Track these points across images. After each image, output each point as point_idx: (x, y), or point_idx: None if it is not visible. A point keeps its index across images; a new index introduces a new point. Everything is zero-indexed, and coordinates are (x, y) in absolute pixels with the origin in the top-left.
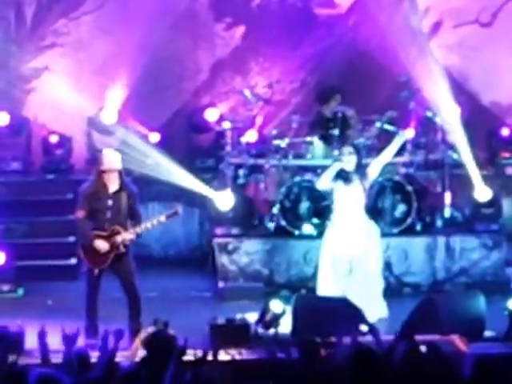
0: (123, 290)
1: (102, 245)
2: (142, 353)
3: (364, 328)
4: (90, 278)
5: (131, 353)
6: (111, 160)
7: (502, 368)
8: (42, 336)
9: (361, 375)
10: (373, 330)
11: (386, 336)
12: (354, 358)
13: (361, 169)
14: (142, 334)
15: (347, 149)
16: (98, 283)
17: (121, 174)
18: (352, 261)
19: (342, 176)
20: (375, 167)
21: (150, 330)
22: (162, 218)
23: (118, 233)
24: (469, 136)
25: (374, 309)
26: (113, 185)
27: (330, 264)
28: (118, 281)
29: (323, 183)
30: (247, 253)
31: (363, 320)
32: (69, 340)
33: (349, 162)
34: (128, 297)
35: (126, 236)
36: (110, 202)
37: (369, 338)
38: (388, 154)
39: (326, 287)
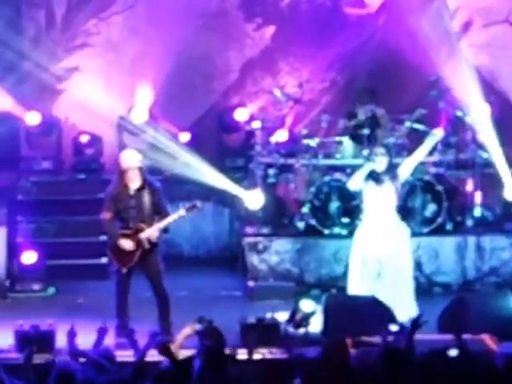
0: (152, 289)
1: (126, 243)
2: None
3: (394, 328)
4: (119, 278)
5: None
6: (128, 159)
7: None
8: (71, 336)
9: (389, 374)
10: (403, 329)
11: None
12: (383, 357)
13: (392, 169)
14: (187, 332)
15: (379, 149)
16: (128, 282)
17: (141, 172)
18: (382, 262)
19: (373, 177)
20: (407, 167)
21: (198, 327)
22: (182, 212)
23: (142, 230)
24: (499, 135)
25: (404, 308)
26: (134, 183)
27: (359, 264)
28: (147, 280)
29: (354, 183)
30: (277, 252)
31: (393, 319)
32: (97, 339)
33: (380, 162)
34: (157, 296)
35: (149, 232)
36: (132, 201)
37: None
38: (420, 154)
39: (356, 287)
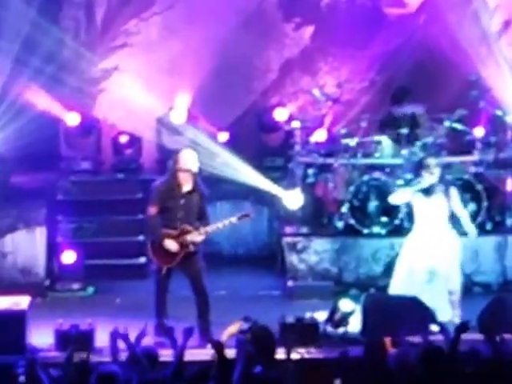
0: (192, 288)
1: (171, 244)
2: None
3: (435, 328)
4: (159, 277)
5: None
6: (190, 161)
7: None
8: (114, 336)
9: (430, 374)
10: (444, 329)
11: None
12: (424, 357)
13: (444, 179)
14: (232, 330)
15: (432, 161)
16: (167, 282)
17: (194, 175)
18: (433, 272)
19: (424, 189)
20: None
21: (244, 326)
22: (234, 220)
23: (188, 232)
24: None
25: (446, 309)
26: (186, 184)
27: (405, 275)
28: (187, 279)
29: (400, 199)
30: (316, 251)
31: (433, 319)
32: (137, 338)
33: (433, 174)
34: (196, 295)
35: (195, 236)
36: (182, 202)
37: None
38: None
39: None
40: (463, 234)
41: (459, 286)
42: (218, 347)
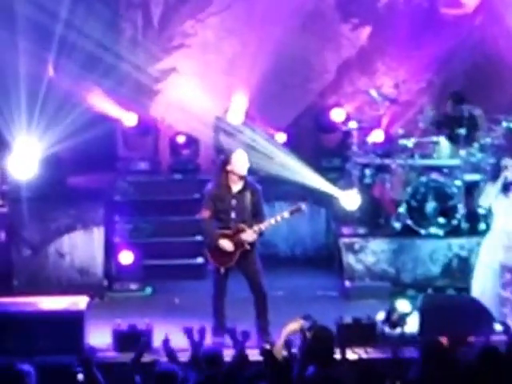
0: (250, 288)
1: (226, 244)
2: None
3: (498, 327)
4: (217, 278)
5: (278, 347)
6: (242, 163)
7: None
8: (166, 344)
9: (488, 375)
10: (507, 329)
11: None
12: (482, 357)
13: None
14: (292, 328)
15: (509, 160)
16: (225, 282)
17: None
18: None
19: (502, 188)
20: None
21: (305, 324)
22: (286, 214)
23: (243, 230)
24: None
25: None
26: (236, 185)
27: (484, 272)
28: (245, 279)
29: (487, 200)
30: (374, 252)
31: (492, 320)
32: (197, 339)
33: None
34: (255, 295)
35: (250, 234)
36: (233, 202)
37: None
38: None
39: (477, 291)
40: None
41: None
42: (266, 353)
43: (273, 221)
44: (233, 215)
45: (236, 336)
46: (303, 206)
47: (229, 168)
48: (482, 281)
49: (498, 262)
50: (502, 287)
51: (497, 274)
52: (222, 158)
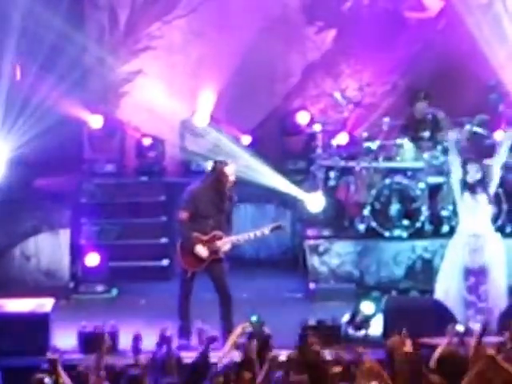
0: (216, 289)
1: (202, 250)
2: (235, 352)
3: (460, 328)
4: (184, 279)
5: (225, 351)
6: (232, 178)
7: None
8: (136, 340)
9: (446, 376)
10: (468, 331)
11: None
12: (440, 359)
13: (483, 180)
14: (238, 332)
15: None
16: (191, 284)
17: None
18: (479, 272)
19: (467, 187)
20: (495, 171)
21: (248, 329)
22: (266, 231)
23: (220, 238)
24: None
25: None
26: (219, 193)
27: (449, 274)
28: (211, 280)
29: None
30: (338, 254)
31: (454, 322)
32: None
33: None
34: (220, 297)
35: (226, 243)
36: (214, 210)
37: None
38: (502, 156)
39: (443, 294)
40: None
41: (504, 290)
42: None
43: (252, 234)
44: (211, 222)
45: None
46: (282, 224)
47: (220, 176)
48: (447, 283)
49: (463, 265)
50: (467, 290)
51: (462, 276)
52: (216, 164)
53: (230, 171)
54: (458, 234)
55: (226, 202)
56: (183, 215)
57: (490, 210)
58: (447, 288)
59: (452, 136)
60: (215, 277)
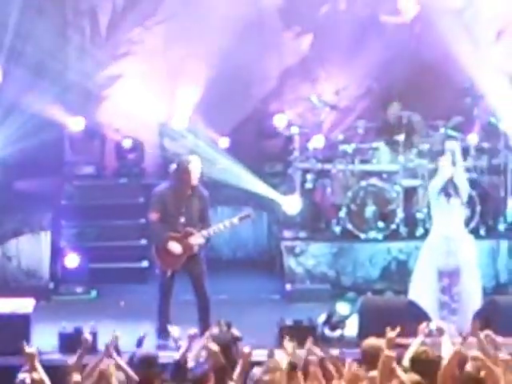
0: (194, 290)
1: (175, 246)
2: (205, 353)
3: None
4: (163, 280)
5: (195, 353)
6: (197, 172)
7: None
8: (114, 343)
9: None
10: (440, 331)
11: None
12: (412, 359)
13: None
14: (207, 335)
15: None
16: (171, 285)
17: None
18: (451, 273)
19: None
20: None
21: (214, 331)
22: (235, 220)
23: (191, 234)
24: None
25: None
26: (187, 190)
27: (423, 275)
28: (190, 281)
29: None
30: (314, 255)
31: (429, 321)
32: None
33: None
34: (198, 298)
35: (198, 238)
36: (183, 207)
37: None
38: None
39: (417, 294)
40: None
41: (478, 294)
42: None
43: (221, 226)
44: (181, 220)
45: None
46: (251, 212)
47: (184, 175)
48: (421, 284)
49: (437, 267)
50: (441, 291)
51: (435, 278)
52: (179, 163)
53: (194, 167)
54: (431, 236)
55: (195, 198)
56: (153, 216)
57: (463, 212)
58: (421, 289)
59: (451, 145)
60: (195, 277)
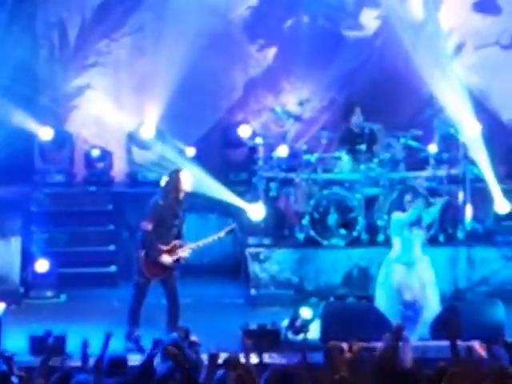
0: (167, 295)
1: (167, 260)
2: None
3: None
4: (142, 287)
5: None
6: (189, 184)
7: None
8: (84, 346)
9: (382, 380)
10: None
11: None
12: (375, 363)
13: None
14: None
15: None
16: (147, 291)
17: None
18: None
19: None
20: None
21: (173, 336)
22: (222, 234)
23: (180, 247)
24: (489, 151)
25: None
26: (179, 203)
27: (385, 290)
28: (165, 287)
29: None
30: (278, 262)
31: (389, 326)
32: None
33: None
34: (170, 302)
35: (186, 250)
36: (176, 220)
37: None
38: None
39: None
40: None
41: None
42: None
43: (210, 239)
44: (174, 231)
45: (140, 342)
46: (235, 226)
47: (177, 186)
48: (384, 298)
49: (398, 282)
50: (403, 306)
51: (397, 293)
52: (170, 174)
53: (185, 177)
54: (390, 259)
55: (182, 211)
56: (148, 226)
57: (422, 235)
58: (384, 301)
59: (421, 183)
60: (170, 286)
